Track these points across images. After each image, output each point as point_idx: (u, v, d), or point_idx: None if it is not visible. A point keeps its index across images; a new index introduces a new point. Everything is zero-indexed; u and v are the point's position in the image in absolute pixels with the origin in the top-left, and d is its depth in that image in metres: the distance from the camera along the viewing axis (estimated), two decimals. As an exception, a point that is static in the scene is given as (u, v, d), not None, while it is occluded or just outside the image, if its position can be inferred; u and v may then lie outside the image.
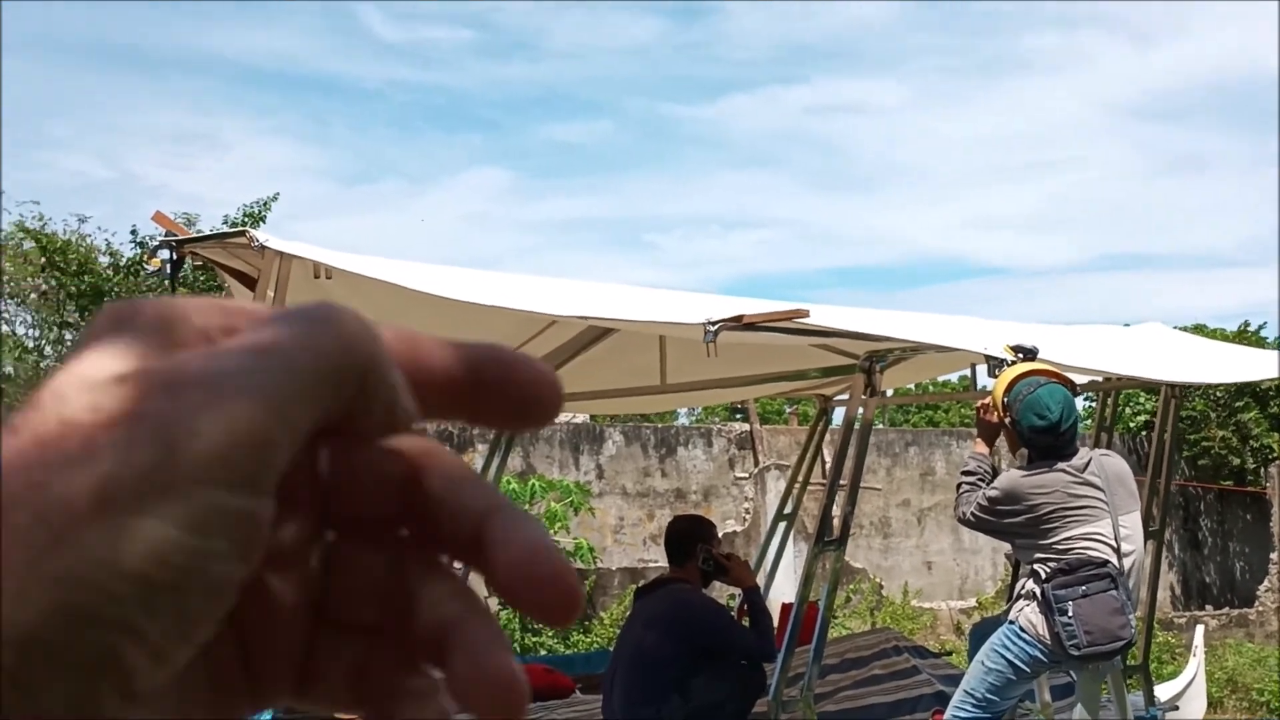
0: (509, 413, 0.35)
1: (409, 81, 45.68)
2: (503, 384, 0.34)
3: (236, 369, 0.30)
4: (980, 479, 4.86)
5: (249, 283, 5.16)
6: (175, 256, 4.82)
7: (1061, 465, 4.69)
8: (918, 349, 5.03)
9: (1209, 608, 15.34)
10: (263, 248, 4.70)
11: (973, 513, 4.81)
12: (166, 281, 4.83)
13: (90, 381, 0.29)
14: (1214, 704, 9.99)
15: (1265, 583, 15.35)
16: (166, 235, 4.80)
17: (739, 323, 4.29)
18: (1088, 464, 4.71)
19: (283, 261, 4.92)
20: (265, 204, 16.85)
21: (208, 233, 5.07)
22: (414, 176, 46.40)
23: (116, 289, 14.59)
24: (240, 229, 4.82)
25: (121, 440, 0.28)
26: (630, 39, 46.36)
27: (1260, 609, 15.05)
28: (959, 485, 4.94)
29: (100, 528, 0.27)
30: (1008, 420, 4.75)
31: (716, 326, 4.24)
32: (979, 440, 5.01)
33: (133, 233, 16.12)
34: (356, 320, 0.32)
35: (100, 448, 0.28)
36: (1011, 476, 4.80)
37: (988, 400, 4.96)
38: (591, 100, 49.55)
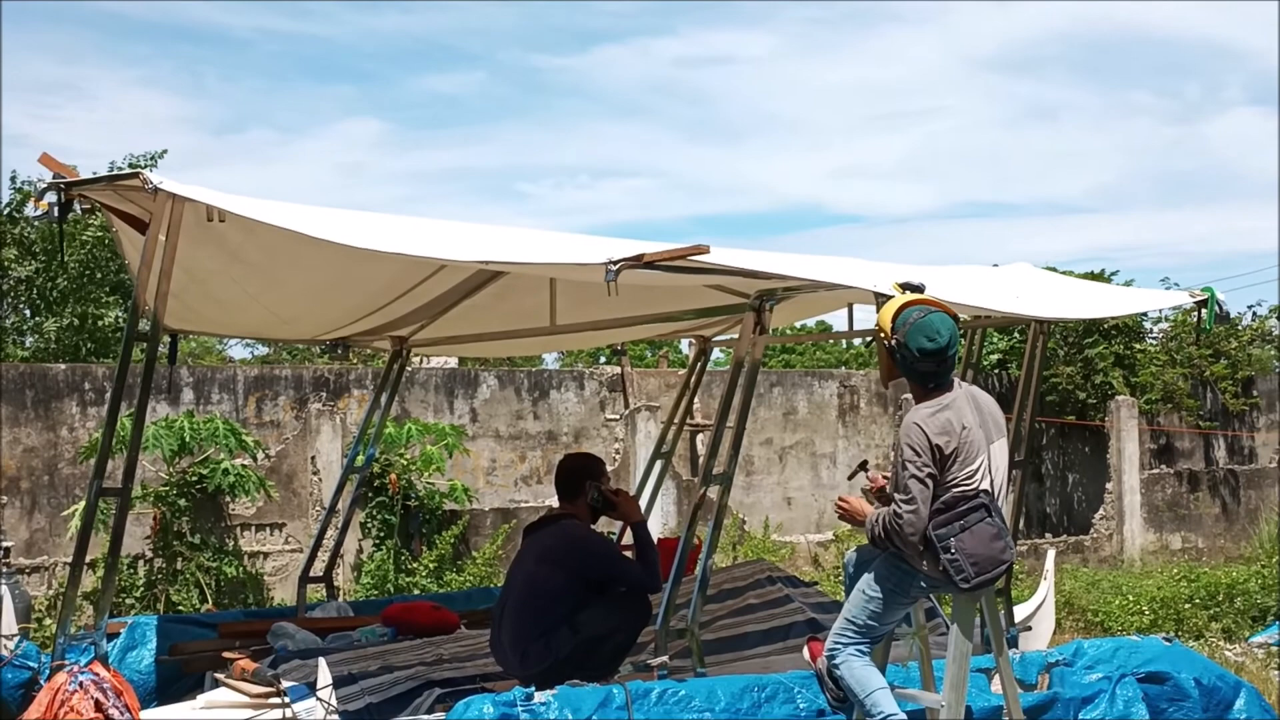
0: None
1: (281, 31, 44.35)
2: None
3: None
4: (881, 508, 4.85)
5: (140, 227, 5.09)
6: (64, 199, 4.73)
7: (948, 406, 4.78)
8: (814, 287, 5.17)
9: (1048, 535, 16.16)
10: (156, 189, 4.65)
11: (908, 512, 4.65)
12: (54, 224, 4.72)
13: None
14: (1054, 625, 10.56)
15: (1100, 511, 16.25)
16: (55, 178, 4.71)
17: (639, 261, 4.38)
18: (963, 397, 4.85)
19: (175, 204, 4.87)
20: (153, 158, 16.41)
21: (98, 174, 4.96)
22: (285, 127, 45.22)
23: (-1, 235, 14.06)
24: (134, 170, 4.74)
25: None
26: (505, -12, 45.74)
27: (1095, 536, 15.94)
28: (885, 531, 4.75)
29: None
30: (892, 343, 4.79)
31: (618, 265, 4.33)
32: (862, 515, 4.96)
33: (12, 179, 15.54)
34: None
35: None
36: (916, 432, 4.72)
37: (848, 504, 5.03)
38: (466, 51, 48.95)
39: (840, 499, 5.12)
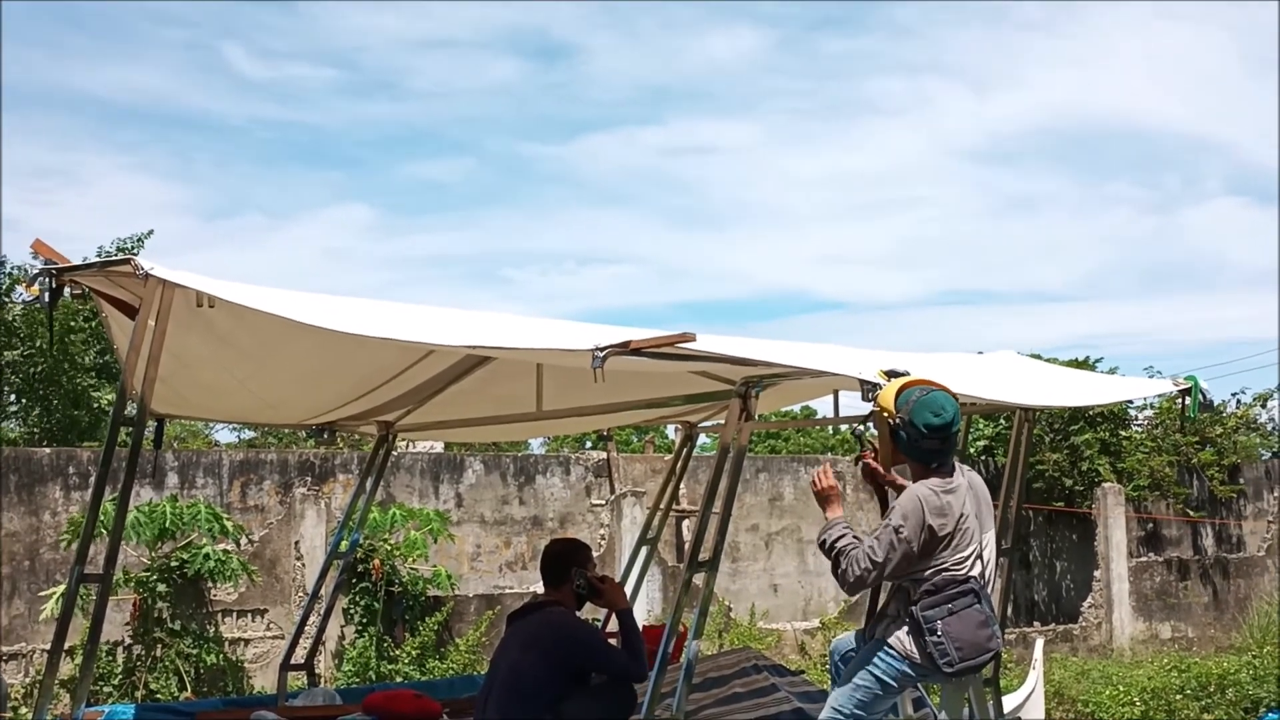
0: None
1: (272, 119, 45.08)
2: None
3: None
4: (854, 537, 4.83)
5: (129, 312, 5.10)
6: (55, 285, 4.75)
7: (953, 490, 4.77)
8: (799, 374, 5.18)
9: (1036, 624, 16.06)
10: (147, 275, 4.67)
11: (865, 565, 4.68)
12: (43, 311, 4.74)
13: None
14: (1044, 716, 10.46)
15: (1089, 599, 16.16)
16: (46, 264, 4.73)
17: (627, 348, 4.39)
18: (964, 486, 4.86)
19: (165, 290, 4.89)
20: (140, 240, 16.49)
21: (89, 260, 4.98)
22: (275, 212, 45.72)
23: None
24: (124, 257, 4.77)
25: None
26: (493, 79, 46.71)
27: (1084, 624, 15.84)
28: (835, 553, 4.76)
29: None
30: (896, 421, 4.77)
31: (605, 352, 4.34)
32: (832, 506, 4.98)
33: (1, 264, 15.57)
34: None
35: None
36: (915, 505, 4.72)
37: (827, 481, 5.01)
38: (454, 139, 49.73)
39: (824, 467, 5.07)
